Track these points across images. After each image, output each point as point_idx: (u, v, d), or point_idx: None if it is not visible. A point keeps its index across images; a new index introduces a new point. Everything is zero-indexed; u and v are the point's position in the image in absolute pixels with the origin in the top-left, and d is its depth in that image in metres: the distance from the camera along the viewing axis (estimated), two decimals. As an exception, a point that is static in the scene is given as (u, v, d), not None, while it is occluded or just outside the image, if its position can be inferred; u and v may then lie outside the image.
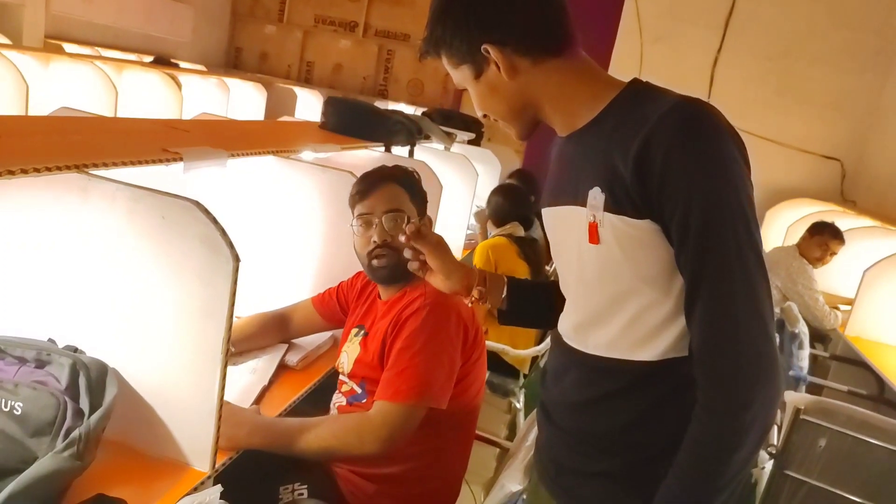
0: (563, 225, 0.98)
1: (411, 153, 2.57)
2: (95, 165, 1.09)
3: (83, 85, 3.71)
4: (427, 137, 2.88)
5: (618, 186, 0.85)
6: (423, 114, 3.56)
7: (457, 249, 2.80)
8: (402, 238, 1.09)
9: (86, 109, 3.04)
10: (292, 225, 1.74)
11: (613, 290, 0.90)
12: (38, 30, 5.17)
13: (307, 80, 7.16)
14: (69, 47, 5.24)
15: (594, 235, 0.89)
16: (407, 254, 1.13)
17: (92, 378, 1.06)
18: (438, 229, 2.43)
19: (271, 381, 1.44)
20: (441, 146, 2.99)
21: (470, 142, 3.42)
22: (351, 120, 2.32)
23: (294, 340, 1.65)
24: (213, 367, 1.07)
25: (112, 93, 3.75)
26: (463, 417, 1.39)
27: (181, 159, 1.30)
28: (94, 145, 1.26)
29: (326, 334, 1.67)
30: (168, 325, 1.08)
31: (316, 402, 1.51)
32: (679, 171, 0.80)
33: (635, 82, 0.92)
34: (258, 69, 7.22)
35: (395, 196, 1.45)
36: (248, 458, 1.33)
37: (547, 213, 1.02)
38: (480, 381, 1.42)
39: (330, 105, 2.36)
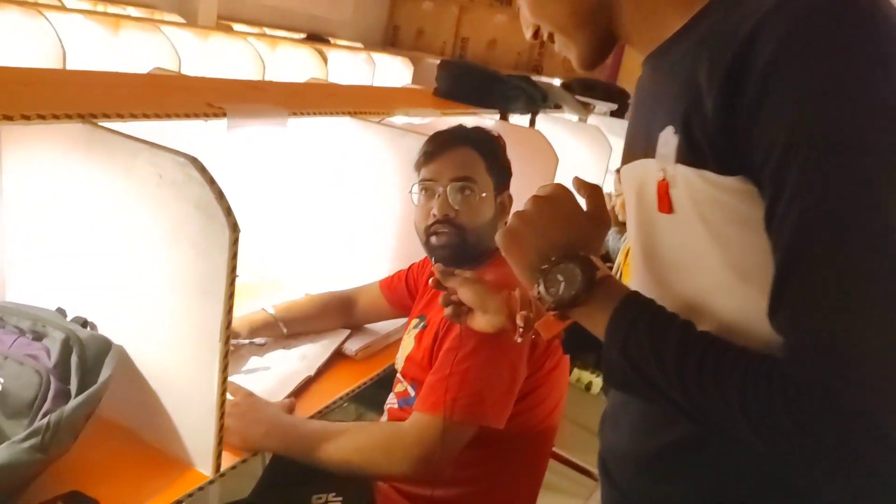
0: (632, 188, 0.69)
1: (532, 122, 2.29)
2: (106, 116, 0.97)
3: (235, 60, 3.85)
4: (558, 107, 2.58)
5: (697, 122, 0.55)
6: (563, 83, 3.24)
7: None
8: (431, 283, 0.90)
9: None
10: (366, 196, 1.55)
11: (693, 286, 0.61)
12: (212, 10, 5.49)
13: (461, 56, 7.03)
14: (238, 27, 5.53)
15: (664, 200, 0.60)
16: (442, 301, 0.92)
17: (88, 356, 0.93)
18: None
19: (320, 371, 1.26)
20: (574, 117, 2.67)
21: (613, 113, 3.04)
22: (463, 84, 2.09)
23: (365, 326, 1.47)
24: (211, 355, 0.91)
25: (260, 67, 3.86)
26: (531, 440, 1.12)
27: (224, 115, 1.16)
28: (127, 97, 1.15)
29: (399, 322, 1.46)
30: (167, 302, 0.93)
31: (371, 400, 1.32)
32: (788, 80, 0.49)
33: None
34: (414, 46, 7.21)
35: (467, 162, 1.21)
36: (278, 461, 1.18)
37: (622, 173, 0.74)
38: (557, 397, 1.14)
39: (442, 69, 2.15)
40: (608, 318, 0.60)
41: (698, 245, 0.58)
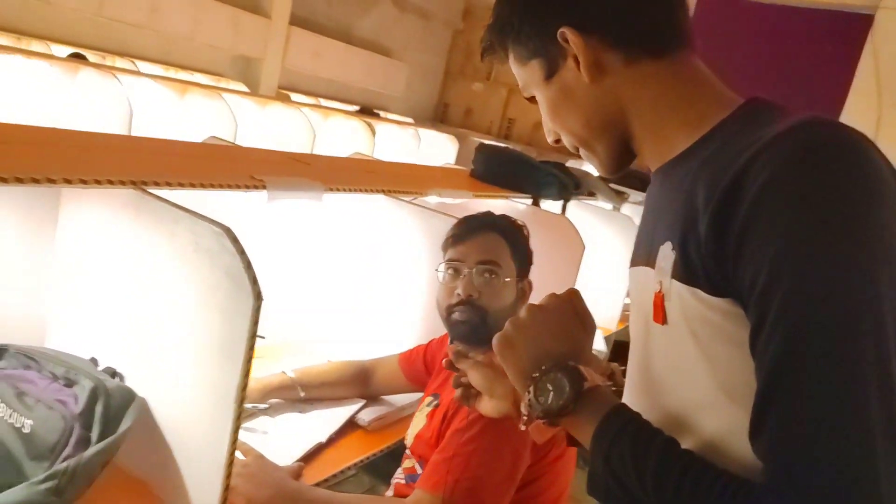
0: (634, 293, 0.72)
1: (564, 208, 2.34)
2: (156, 184, 1.06)
3: (289, 128, 4.07)
4: (592, 194, 2.64)
5: (692, 243, 0.58)
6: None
7: (610, 321, 2.48)
8: (444, 363, 0.89)
9: (284, 148, 3.28)
10: (393, 270, 1.61)
11: (681, 399, 0.63)
12: (273, 80, 5.83)
13: (507, 137, 7.24)
14: (296, 97, 5.84)
15: (659, 311, 0.63)
16: (454, 383, 0.92)
17: (111, 406, 0.99)
18: (585, 294, 2.17)
19: (331, 439, 1.29)
20: (608, 205, 2.72)
21: (647, 204, 3.08)
22: (498, 168, 2.18)
23: (383, 397, 1.50)
24: (226, 415, 0.95)
25: (311, 136, 4.06)
26: (532, 529, 1.11)
27: (265, 187, 1.24)
28: (178, 166, 1.25)
29: (415, 396, 1.49)
30: (190, 359, 0.99)
31: (383, 471, 1.33)
32: (774, 213, 0.52)
33: (755, 100, 0.64)
34: (462, 124, 7.47)
35: (493, 247, 1.26)
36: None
37: (629, 275, 0.77)
38: (560, 488, 1.14)
39: (479, 152, 2.24)
40: (594, 429, 0.61)
41: (688, 359, 0.60)
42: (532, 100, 0.77)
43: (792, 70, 4.02)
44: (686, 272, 0.59)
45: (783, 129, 0.55)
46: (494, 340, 0.70)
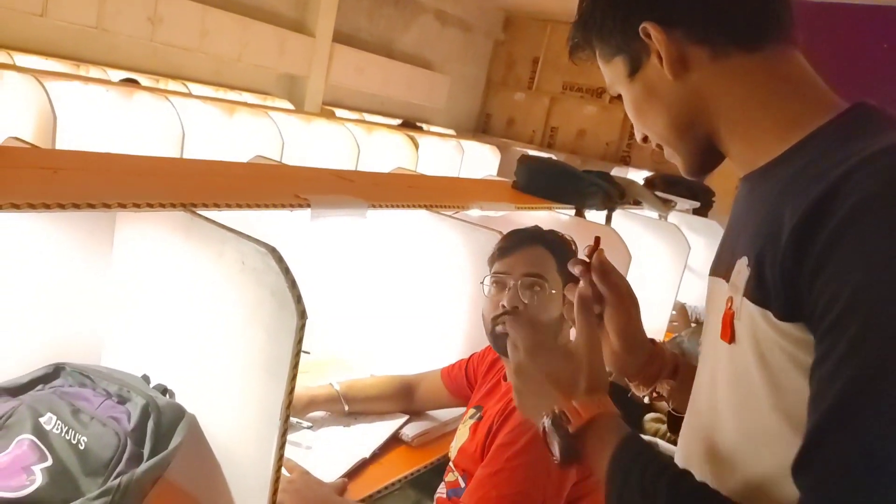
0: (710, 304, 0.69)
1: (609, 218, 2.31)
2: (205, 206, 1.09)
3: (334, 143, 4.13)
4: (637, 203, 2.59)
5: (769, 262, 0.55)
6: (646, 179, 3.26)
7: (657, 332, 2.43)
8: (576, 270, 0.84)
9: (329, 163, 3.33)
10: (436, 285, 1.62)
11: (742, 426, 0.60)
12: (318, 97, 5.94)
13: (550, 146, 7.19)
14: (340, 112, 5.94)
15: (727, 329, 0.60)
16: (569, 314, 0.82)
17: (163, 423, 1.02)
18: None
19: (375, 455, 1.30)
20: (654, 214, 2.67)
21: (695, 211, 3.01)
22: (540, 180, 2.17)
23: (426, 413, 1.50)
24: (271, 433, 0.96)
25: (356, 150, 4.12)
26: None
27: (309, 206, 1.26)
28: (225, 187, 1.28)
29: (458, 411, 1.49)
30: (237, 377, 1.01)
31: (424, 487, 1.33)
32: (860, 239, 0.48)
33: (861, 106, 0.59)
34: (504, 134, 7.46)
35: (540, 261, 1.25)
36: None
37: (709, 283, 0.73)
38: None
39: (521, 164, 2.23)
40: (606, 466, 0.61)
41: (752, 384, 0.57)
42: (619, 98, 0.74)
43: (850, 70, 3.88)
44: (759, 292, 0.56)
45: (875, 150, 0.51)
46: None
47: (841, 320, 0.48)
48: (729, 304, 0.60)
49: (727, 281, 0.62)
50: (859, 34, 4.37)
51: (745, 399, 0.59)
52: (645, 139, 0.74)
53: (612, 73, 0.71)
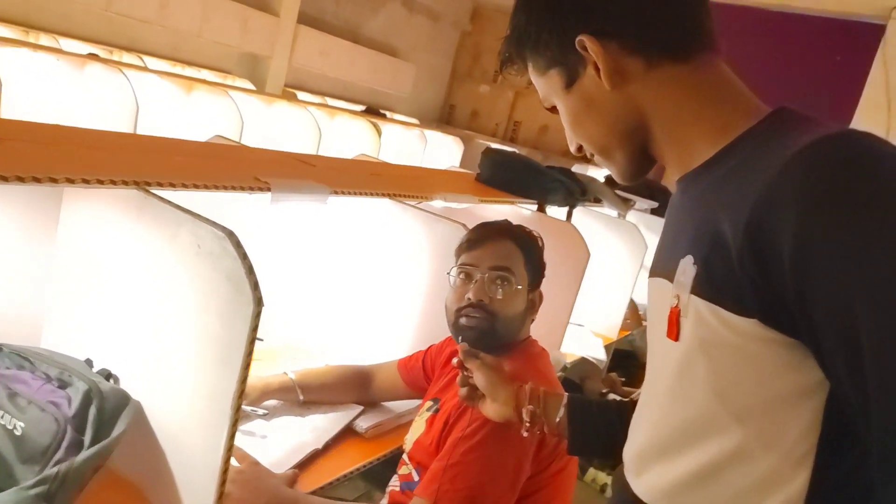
0: (651, 304, 0.70)
1: (569, 215, 2.33)
2: (159, 184, 1.05)
3: (295, 126, 4.05)
4: (597, 201, 2.62)
5: (718, 260, 0.56)
6: (607, 177, 3.29)
7: (612, 329, 2.46)
8: (455, 362, 0.99)
9: (289, 147, 3.26)
10: (396, 275, 1.60)
11: (689, 417, 0.61)
12: (280, 79, 5.82)
13: (512, 140, 7.22)
14: (302, 95, 5.83)
15: (673, 327, 0.61)
16: (460, 381, 0.98)
17: (106, 409, 0.97)
18: (587, 301, 2.13)
19: (328, 446, 1.27)
20: (614, 212, 2.70)
21: (653, 211, 3.06)
22: (504, 173, 2.16)
23: (381, 404, 1.48)
24: (221, 422, 0.93)
25: (317, 135, 4.05)
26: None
27: (269, 189, 1.23)
28: (182, 166, 1.23)
29: (413, 403, 1.47)
30: (187, 364, 0.97)
31: (375, 479, 1.31)
32: (831, 246, 0.49)
33: (784, 110, 0.61)
34: (468, 126, 7.45)
35: (508, 255, 1.24)
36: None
37: (649, 284, 0.75)
38: (562, 501, 1.12)
39: (485, 156, 2.22)
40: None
41: (697, 378, 0.59)
42: (553, 110, 0.75)
43: (800, 80, 3.99)
44: (708, 288, 0.57)
45: (804, 146, 0.52)
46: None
47: (849, 325, 0.48)
48: (675, 302, 0.61)
49: (671, 281, 0.63)
50: (813, 46, 4.51)
51: (688, 390, 0.61)
52: (579, 149, 0.75)
53: (546, 85, 0.72)
